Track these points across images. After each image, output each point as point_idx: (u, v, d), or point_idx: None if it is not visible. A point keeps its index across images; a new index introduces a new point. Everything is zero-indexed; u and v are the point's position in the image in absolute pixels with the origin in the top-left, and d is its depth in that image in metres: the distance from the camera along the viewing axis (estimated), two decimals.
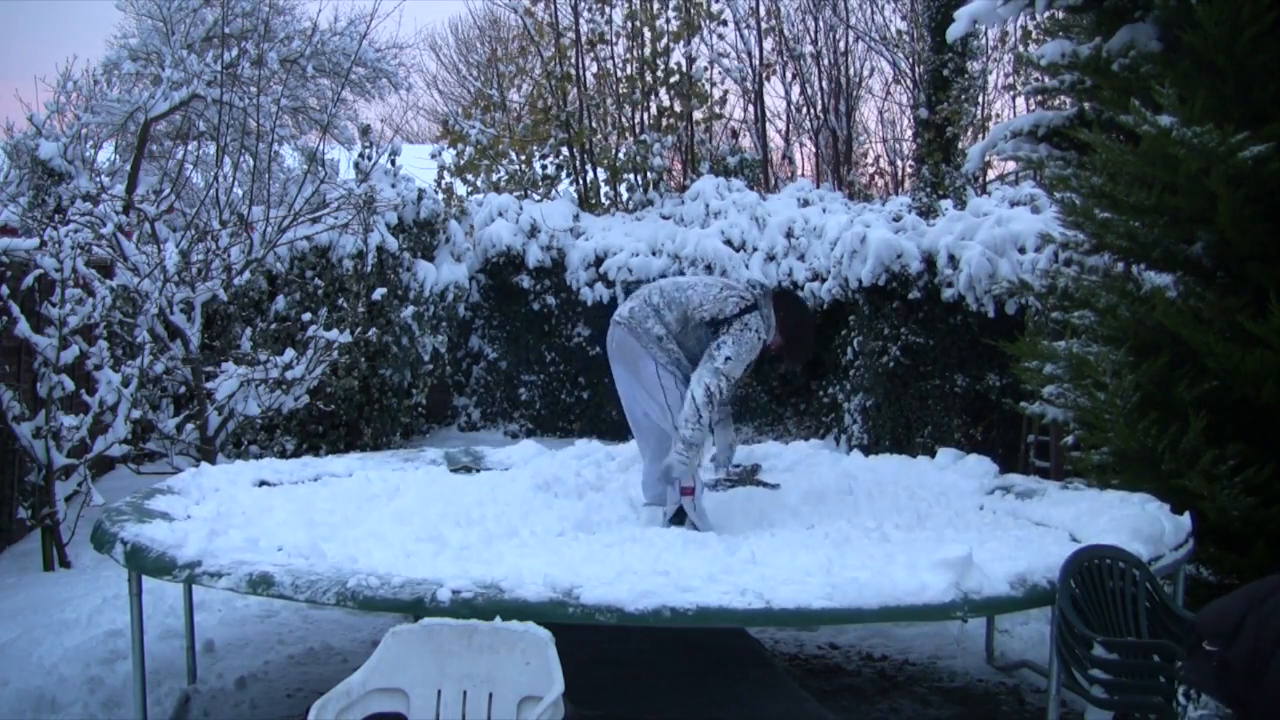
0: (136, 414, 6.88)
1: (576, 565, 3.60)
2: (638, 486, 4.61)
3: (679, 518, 4.30)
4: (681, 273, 11.43)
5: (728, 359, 4.34)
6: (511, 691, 2.88)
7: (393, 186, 10.22)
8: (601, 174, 14.34)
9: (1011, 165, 12.17)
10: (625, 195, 13.83)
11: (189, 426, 7.58)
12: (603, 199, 14.15)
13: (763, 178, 15.25)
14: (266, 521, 4.14)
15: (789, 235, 11.49)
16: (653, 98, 14.66)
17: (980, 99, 15.47)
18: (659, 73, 14.46)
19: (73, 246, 6.46)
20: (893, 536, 4.14)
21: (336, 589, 3.24)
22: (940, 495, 4.83)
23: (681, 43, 14.52)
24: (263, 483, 4.99)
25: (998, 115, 16.37)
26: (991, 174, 13.81)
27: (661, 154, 13.60)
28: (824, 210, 11.98)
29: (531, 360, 12.07)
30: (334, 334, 7.92)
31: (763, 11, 16.56)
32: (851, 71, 17.86)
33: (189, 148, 10.33)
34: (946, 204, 11.41)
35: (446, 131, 14.92)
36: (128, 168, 9.80)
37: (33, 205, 8.22)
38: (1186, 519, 4.06)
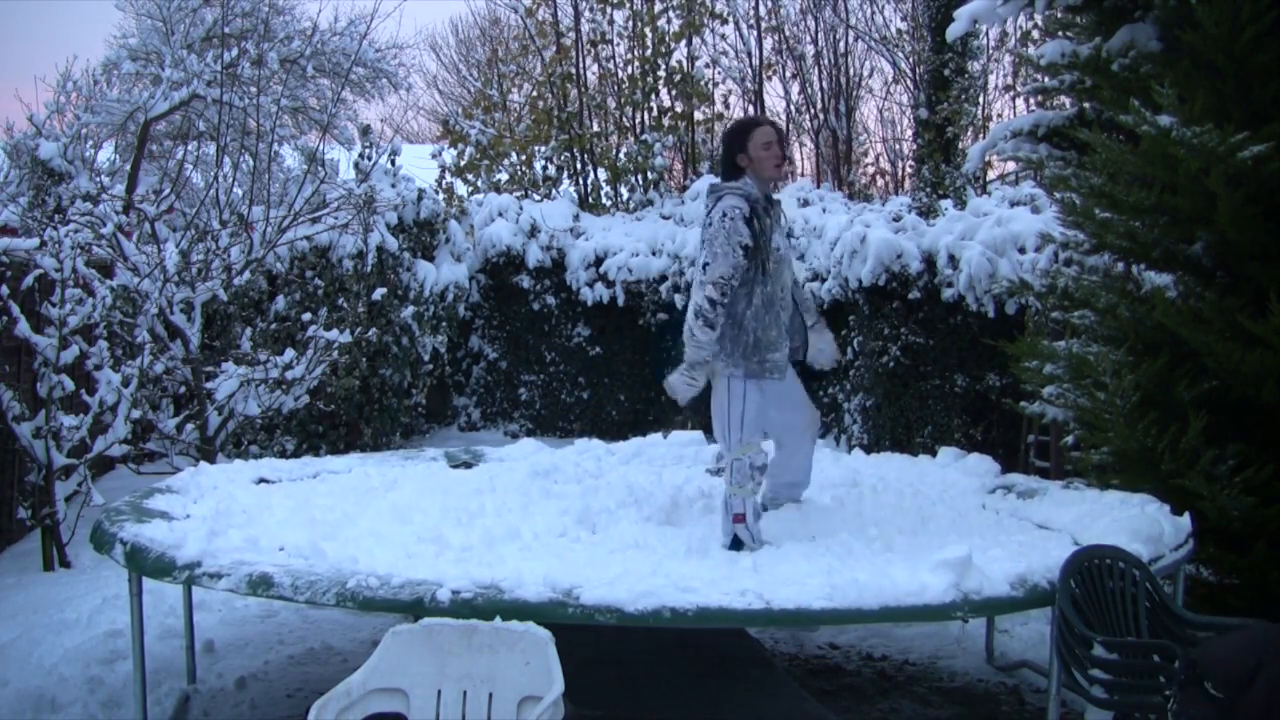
0: (136, 414, 6.88)
1: (578, 567, 3.59)
2: (637, 476, 4.50)
3: (736, 545, 4.00)
4: (681, 273, 11.44)
5: (706, 265, 4.01)
6: (511, 691, 2.88)
7: (393, 186, 10.22)
8: (602, 174, 14.34)
9: (1011, 165, 12.17)
10: (626, 195, 13.82)
11: (189, 426, 7.58)
12: (603, 199, 14.15)
13: None
14: (266, 520, 4.13)
15: (789, 235, 11.45)
16: (654, 98, 14.66)
17: (980, 99, 15.46)
18: (660, 72, 14.45)
19: (73, 246, 6.46)
20: (896, 544, 4.03)
21: (336, 589, 3.24)
22: (942, 495, 4.81)
23: (683, 42, 14.51)
24: (262, 480, 4.98)
25: (998, 115, 16.38)
26: (991, 174, 13.81)
27: (662, 154, 13.60)
28: (824, 210, 11.95)
29: (531, 360, 12.05)
30: (334, 334, 7.92)
31: (763, 11, 16.57)
32: (851, 71, 17.88)
33: (189, 148, 10.34)
34: (946, 204, 11.39)
35: (447, 131, 14.91)
36: (128, 168, 9.81)
37: (33, 205, 8.22)
38: (1186, 519, 4.05)
